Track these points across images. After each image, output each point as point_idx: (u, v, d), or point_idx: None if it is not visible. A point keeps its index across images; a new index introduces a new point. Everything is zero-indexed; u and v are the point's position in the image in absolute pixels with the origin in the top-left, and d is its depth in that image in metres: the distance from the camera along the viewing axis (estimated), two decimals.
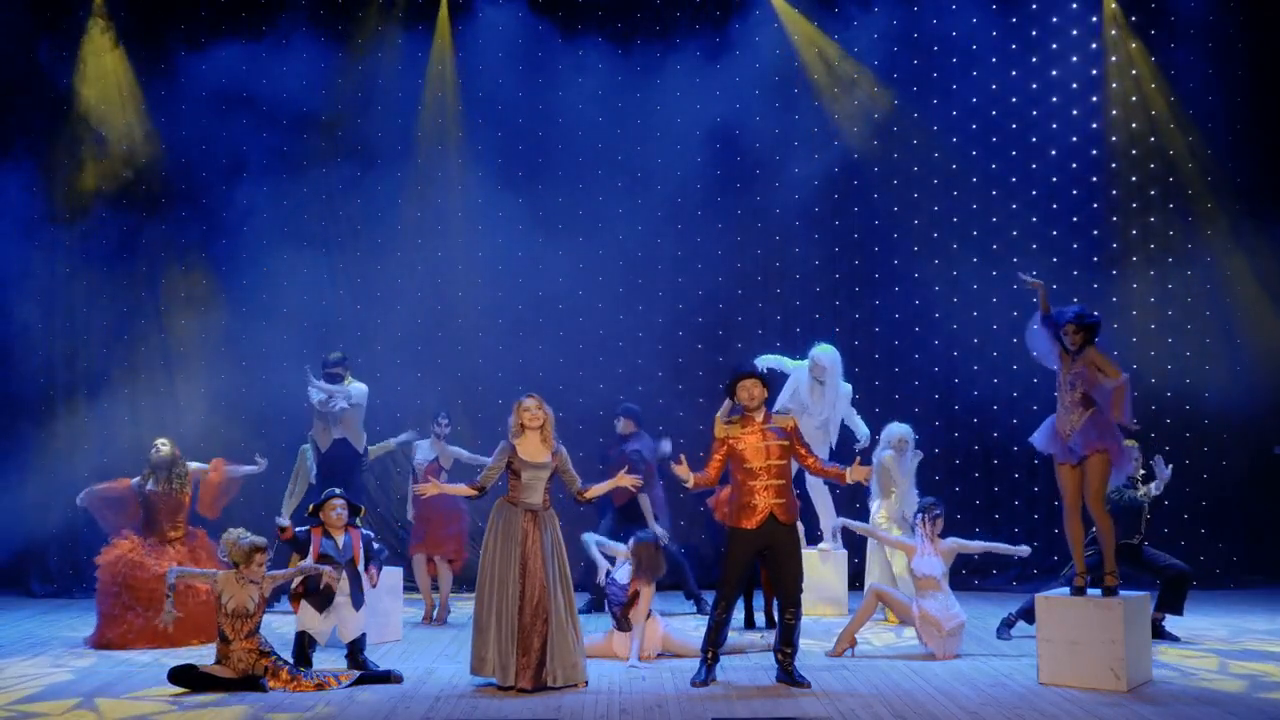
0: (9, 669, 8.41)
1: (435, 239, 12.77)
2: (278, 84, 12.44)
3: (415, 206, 12.78)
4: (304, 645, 8.12)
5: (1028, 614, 8.85)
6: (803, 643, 8.14)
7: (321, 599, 8.13)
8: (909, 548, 9.01)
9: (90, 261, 12.54)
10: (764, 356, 10.54)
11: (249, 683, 7.58)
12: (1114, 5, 12.22)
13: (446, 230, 12.76)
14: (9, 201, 12.08)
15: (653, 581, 8.52)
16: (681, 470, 7.75)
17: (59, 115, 12.62)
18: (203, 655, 8.16)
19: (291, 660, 7.97)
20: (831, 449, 10.55)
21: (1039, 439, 7.93)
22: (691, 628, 9.42)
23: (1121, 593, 7.72)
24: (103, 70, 12.66)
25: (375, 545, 8.55)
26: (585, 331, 12.53)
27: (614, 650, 8.54)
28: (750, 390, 7.73)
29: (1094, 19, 12.29)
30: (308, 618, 8.15)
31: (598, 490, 8.00)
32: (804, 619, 8.11)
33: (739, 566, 7.74)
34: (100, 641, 9.18)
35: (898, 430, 10.19)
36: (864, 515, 10.33)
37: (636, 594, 8.46)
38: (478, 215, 12.66)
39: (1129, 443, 8.43)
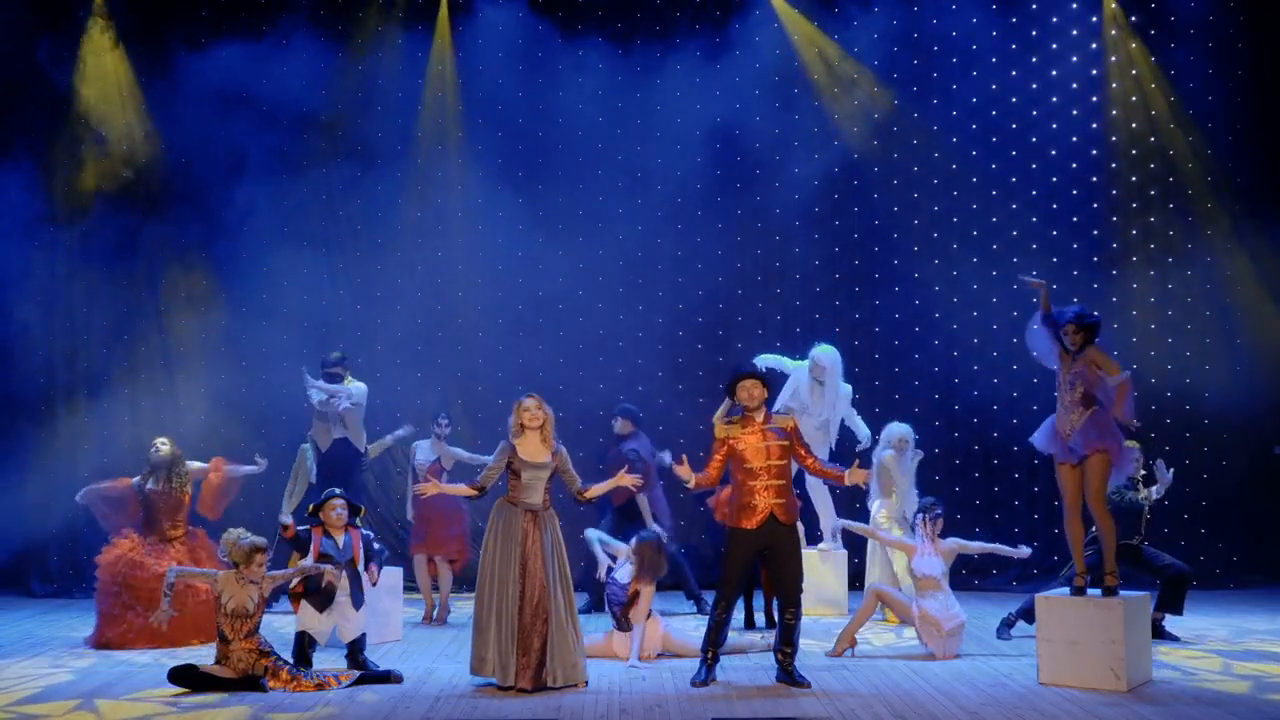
0: (9, 669, 8.41)
1: (435, 239, 12.77)
2: (278, 84, 12.43)
3: (415, 206, 12.78)
4: (304, 645, 8.12)
5: (1028, 614, 8.85)
6: (803, 643, 8.13)
7: (321, 599, 8.13)
8: (909, 548, 9.01)
9: (90, 261, 12.52)
10: (764, 356, 10.54)
11: (249, 683, 7.58)
12: (1114, 5, 12.21)
13: (446, 230, 12.76)
14: (9, 201, 12.07)
15: (654, 581, 8.53)
16: (682, 470, 7.75)
17: (59, 115, 12.60)
18: (203, 655, 8.16)
19: (291, 660, 7.97)
20: (831, 449, 10.56)
21: (1039, 439, 7.93)
22: (691, 628, 9.42)
23: (1121, 593, 7.72)
24: (103, 70, 12.65)
25: (375, 545, 8.55)
26: (585, 331, 12.52)
27: (614, 650, 8.54)
28: (750, 390, 7.73)
29: (1094, 19, 12.28)
30: (308, 618, 8.15)
31: (598, 490, 8.00)
32: (804, 619, 8.10)
33: (739, 566, 7.74)
34: (100, 641, 9.18)
35: (898, 430, 10.19)
36: (864, 515, 10.34)
37: (637, 594, 8.46)
38: (478, 215, 12.66)
39: (1130, 444, 8.44)
